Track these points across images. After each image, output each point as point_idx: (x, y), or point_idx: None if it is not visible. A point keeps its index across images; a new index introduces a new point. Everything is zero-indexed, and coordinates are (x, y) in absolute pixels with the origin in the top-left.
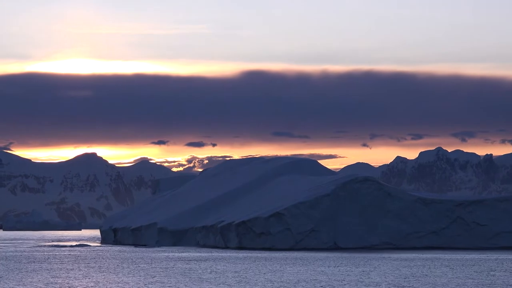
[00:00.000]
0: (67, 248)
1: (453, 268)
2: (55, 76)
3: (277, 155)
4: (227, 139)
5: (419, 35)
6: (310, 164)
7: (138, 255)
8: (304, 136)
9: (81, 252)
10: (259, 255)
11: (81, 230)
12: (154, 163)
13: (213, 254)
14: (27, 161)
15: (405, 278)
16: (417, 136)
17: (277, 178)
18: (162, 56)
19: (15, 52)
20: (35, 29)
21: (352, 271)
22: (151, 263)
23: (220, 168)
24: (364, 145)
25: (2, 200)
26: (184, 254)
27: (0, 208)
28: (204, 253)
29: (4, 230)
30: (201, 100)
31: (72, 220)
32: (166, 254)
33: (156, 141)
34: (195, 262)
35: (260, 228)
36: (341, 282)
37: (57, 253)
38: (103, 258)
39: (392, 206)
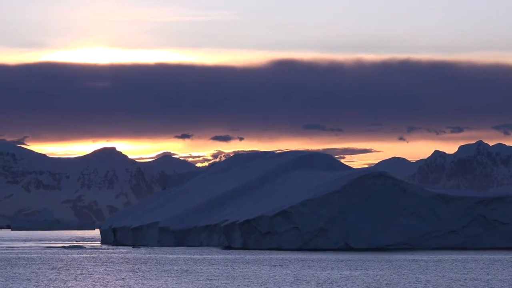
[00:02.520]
0: (51, 250)
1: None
2: (72, 66)
3: (308, 149)
4: (255, 132)
5: (459, 21)
6: (323, 159)
7: (113, 256)
8: (336, 129)
9: (61, 254)
10: (263, 256)
11: (94, 229)
12: (178, 158)
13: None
14: (42, 156)
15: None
16: (457, 129)
17: (286, 173)
18: (186, 44)
19: (30, 41)
20: (51, 16)
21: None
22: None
23: (228, 163)
24: (401, 138)
25: (15, 198)
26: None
27: (12, 206)
28: (196, 255)
29: (12, 229)
30: (228, 91)
31: (89, 219)
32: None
33: (179, 135)
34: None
35: (266, 228)
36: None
37: (28, 255)
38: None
39: (407, 203)
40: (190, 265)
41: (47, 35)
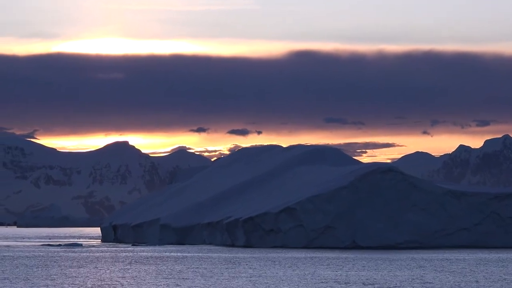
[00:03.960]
0: (45, 248)
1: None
2: (84, 57)
3: (328, 144)
4: (273, 126)
5: (485, 11)
6: (333, 153)
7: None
8: (358, 123)
9: (50, 253)
10: (267, 255)
11: None
12: (193, 153)
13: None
14: (52, 151)
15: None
16: (483, 123)
17: (293, 168)
18: (202, 34)
19: (40, 31)
20: (62, 5)
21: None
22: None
23: (234, 157)
24: (425, 132)
25: (24, 194)
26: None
27: (21, 202)
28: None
29: (18, 227)
30: (245, 83)
31: (100, 215)
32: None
33: (195, 128)
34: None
35: (270, 225)
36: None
37: (18, 254)
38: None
39: (418, 200)
40: (172, 264)
41: (58, 25)
